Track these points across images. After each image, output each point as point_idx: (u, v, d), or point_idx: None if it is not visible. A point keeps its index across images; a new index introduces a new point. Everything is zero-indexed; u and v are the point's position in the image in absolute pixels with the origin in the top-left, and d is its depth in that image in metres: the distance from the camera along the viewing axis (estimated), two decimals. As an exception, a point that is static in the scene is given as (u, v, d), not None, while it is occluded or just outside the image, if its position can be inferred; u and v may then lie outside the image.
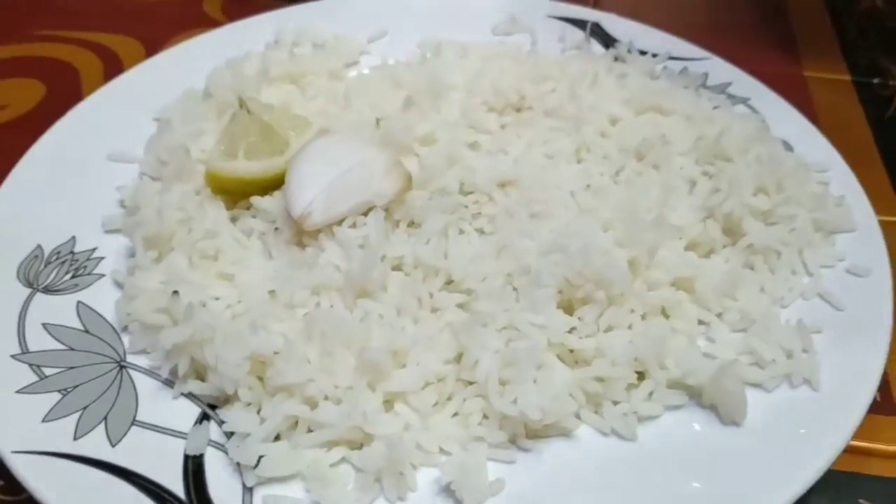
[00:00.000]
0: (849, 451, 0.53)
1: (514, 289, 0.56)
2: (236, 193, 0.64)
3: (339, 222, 0.59)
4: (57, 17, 0.96)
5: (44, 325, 0.56)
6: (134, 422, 0.51)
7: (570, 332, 0.54)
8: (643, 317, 0.55)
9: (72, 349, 0.55)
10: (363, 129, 0.68)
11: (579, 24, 0.82)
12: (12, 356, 0.54)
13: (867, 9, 0.97)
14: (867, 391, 0.51)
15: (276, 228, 0.61)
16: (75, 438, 0.50)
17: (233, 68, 0.73)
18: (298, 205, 0.59)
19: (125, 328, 0.56)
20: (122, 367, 0.54)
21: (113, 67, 0.88)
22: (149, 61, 0.78)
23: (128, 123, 0.72)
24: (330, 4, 0.83)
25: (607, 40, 0.80)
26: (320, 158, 0.61)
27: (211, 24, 0.95)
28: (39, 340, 0.55)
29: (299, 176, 0.60)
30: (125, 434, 0.50)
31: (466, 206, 0.62)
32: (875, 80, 0.88)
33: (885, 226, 0.70)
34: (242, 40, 0.79)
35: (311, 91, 0.73)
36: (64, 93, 0.85)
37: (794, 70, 0.88)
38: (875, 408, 0.58)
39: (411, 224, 0.61)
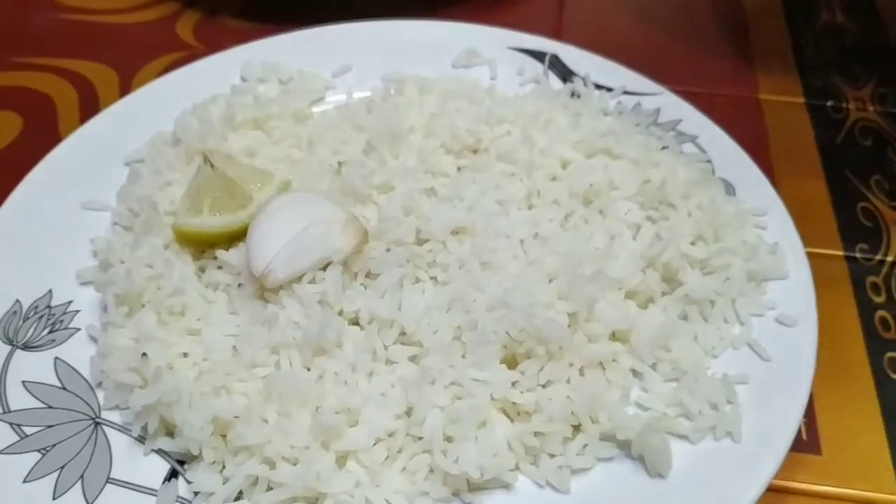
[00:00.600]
0: (771, 489, 0.57)
1: (463, 342, 0.60)
2: (203, 245, 0.67)
3: (299, 278, 0.63)
4: (31, 43, 0.98)
5: (23, 382, 0.60)
6: (108, 480, 0.55)
7: (513, 385, 0.58)
8: (581, 371, 0.59)
9: (50, 407, 0.59)
10: (324, 177, 0.71)
11: (538, 55, 0.84)
12: (-5, 416, 0.58)
13: (826, 24, 0.98)
14: (784, 442, 0.55)
15: (240, 284, 0.64)
16: (54, 498, 0.54)
17: (199, 113, 0.76)
18: (260, 263, 0.62)
19: (99, 384, 0.60)
20: (97, 423, 0.58)
21: (88, 97, 0.91)
22: (120, 102, 0.80)
23: (101, 169, 0.74)
24: (296, 39, 0.85)
25: (565, 73, 0.82)
26: (279, 217, 0.64)
27: (183, 47, 0.97)
28: (19, 399, 0.59)
29: (260, 235, 0.63)
30: (100, 492, 0.54)
31: (421, 256, 0.66)
32: (829, 103, 0.89)
33: (824, 259, 0.74)
34: (210, 77, 0.81)
35: (276, 135, 0.76)
36: (41, 126, 0.87)
37: (749, 93, 0.90)
38: (799, 446, 0.62)
39: (369, 275, 0.65)
